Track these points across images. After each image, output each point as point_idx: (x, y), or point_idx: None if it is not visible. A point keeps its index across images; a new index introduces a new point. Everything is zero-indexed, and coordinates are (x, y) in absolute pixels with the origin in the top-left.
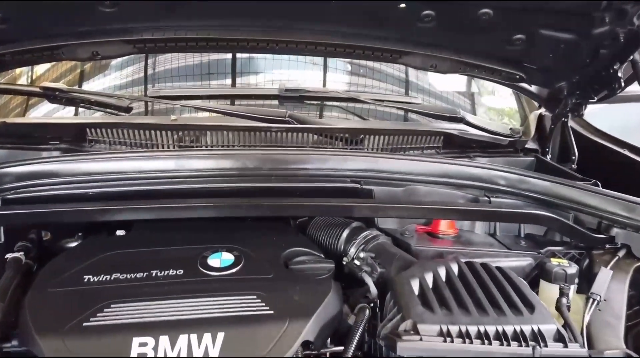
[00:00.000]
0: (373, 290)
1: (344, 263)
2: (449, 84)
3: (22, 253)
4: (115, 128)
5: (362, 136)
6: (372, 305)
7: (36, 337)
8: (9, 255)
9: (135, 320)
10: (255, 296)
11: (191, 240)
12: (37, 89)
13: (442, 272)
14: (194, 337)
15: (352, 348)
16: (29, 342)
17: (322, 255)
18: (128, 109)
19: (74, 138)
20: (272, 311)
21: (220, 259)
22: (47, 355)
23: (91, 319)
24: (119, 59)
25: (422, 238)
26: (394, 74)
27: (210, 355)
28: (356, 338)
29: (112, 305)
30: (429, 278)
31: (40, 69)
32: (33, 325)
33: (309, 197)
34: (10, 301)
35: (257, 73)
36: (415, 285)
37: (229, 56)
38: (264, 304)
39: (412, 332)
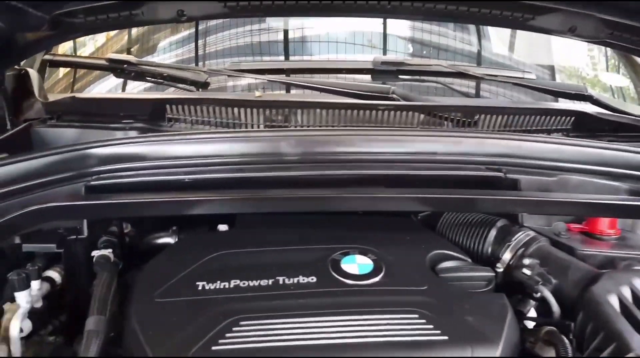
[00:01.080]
0: (556, 308)
1: (498, 270)
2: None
3: (110, 250)
4: (199, 105)
5: (478, 115)
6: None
7: None
8: (96, 253)
9: (275, 342)
10: (417, 316)
11: (309, 239)
12: (103, 62)
13: (637, 284)
14: None
15: None
16: None
17: (469, 259)
18: (205, 85)
19: (151, 116)
20: (445, 337)
21: (357, 264)
22: None
23: (220, 341)
24: (168, 40)
25: (581, 240)
26: (463, 49)
27: None
28: None
29: (241, 323)
30: (627, 294)
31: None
32: (149, 347)
33: (436, 187)
34: (111, 313)
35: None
36: (615, 304)
37: (292, 34)
38: (431, 326)
39: None
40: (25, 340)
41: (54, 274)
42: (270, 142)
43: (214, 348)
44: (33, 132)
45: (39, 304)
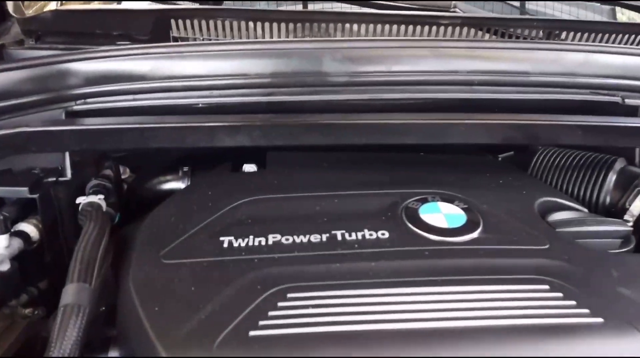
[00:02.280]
0: None
1: (628, 222)
2: None
3: (101, 196)
4: (213, 19)
5: (565, 33)
6: None
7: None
8: (81, 199)
9: (345, 326)
10: (548, 287)
11: (369, 181)
12: None
13: None
14: None
15: None
16: None
17: (585, 209)
18: None
19: (152, 34)
20: (599, 319)
21: (443, 214)
22: None
23: (260, 323)
24: None
25: None
26: None
27: None
28: None
29: (289, 295)
30: None
31: None
32: (155, 333)
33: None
34: (100, 280)
35: None
36: None
37: None
38: (573, 303)
39: None
40: None
41: (29, 228)
42: (309, 56)
43: (252, 333)
44: (6, 56)
45: (4, 267)
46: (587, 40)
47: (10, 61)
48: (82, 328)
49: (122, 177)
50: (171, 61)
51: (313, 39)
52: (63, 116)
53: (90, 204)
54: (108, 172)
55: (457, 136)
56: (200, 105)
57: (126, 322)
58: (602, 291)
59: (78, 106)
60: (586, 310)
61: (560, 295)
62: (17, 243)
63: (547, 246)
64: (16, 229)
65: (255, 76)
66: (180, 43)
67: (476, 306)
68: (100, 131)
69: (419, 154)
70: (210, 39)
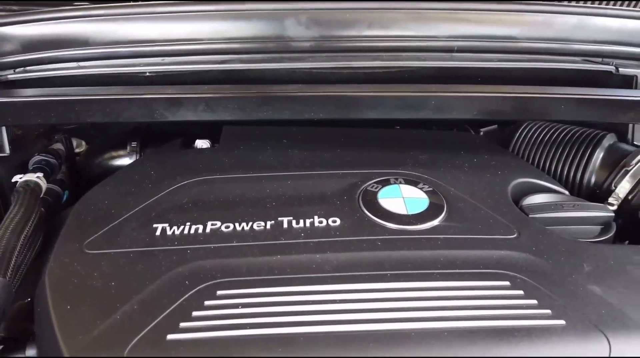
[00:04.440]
0: None
1: (611, 207)
2: None
3: (40, 174)
4: None
5: None
6: None
7: None
8: (18, 178)
9: (274, 328)
10: (508, 283)
11: (327, 161)
12: None
13: None
14: None
15: None
16: None
17: (566, 191)
18: None
19: None
20: (561, 321)
21: (403, 198)
22: None
23: (181, 324)
24: None
25: None
26: None
27: None
28: None
29: (218, 292)
30: None
31: None
32: (62, 333)
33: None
34: (19, 271)
35: None
36: None
37: None
38: (534, 302)
39: None
40: None
41: None
42: (271, 18)
43: (170, 337)
44: None
45: None
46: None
47: None
48: None
49: (77, 151)
50: (115, 23)
51: (270, 1)
52: None
53: (26, 183)
54: (57, 146)
55: (433, 110)
56: (147, 74)
57: (39, 319)
58: (569, 289)
59: (14, 75)
60: (547, 311)
61: (521, 292)
62: None
63: (514, 236)
64: None
65: (209, 40)
66: (127, 4)
67: (426, 306)
68: (35, 104)
69: (390, 129)
70: None
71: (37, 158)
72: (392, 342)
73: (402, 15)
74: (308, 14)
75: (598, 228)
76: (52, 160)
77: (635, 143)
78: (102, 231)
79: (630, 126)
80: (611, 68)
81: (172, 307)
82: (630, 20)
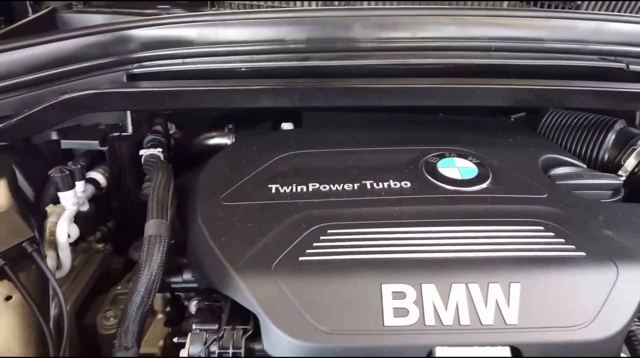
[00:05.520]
0: None
1: (620, 178)
2: None
3: (160, 149)
4: None
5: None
6: None
7: (236, 277)
8: (144, 152)
9: (372, 255)
10: (542, 228)
11: (394, 139)
12: None
13: None
14: (474, 288)
15: None
16: (218, 280)
17: (584, 165)
18: None
19: None
20: (582, 253)
21: (458, 168)
22: (255, 304)
23: (307, 251)
24: None
25: None
26: None
27: (508, 321)
28: None
29: (329, 231)
30: None
31: None
32: (225, 258)
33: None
34: (171, 218)
35: None
36: None
37: None
38: (562, 240)
39: None
40: (73, 246)
41: (98, 176)
42: (341, 24)
43: (301, 259)
44: (58, 19)
45: (85, 207)
46: (606, 9)
47: (64, 26)
48: (164, 253)
49: (170, 133)
50: (216, 27)
51: (344, 7)
52: (124, 79)
53: (152, 156)
54: (159, 128)
55: (475, 99)
56: (242, 69)
57: (198, 252)
58: (588, 232)
59: (136, 69)
60: (572, 246)
61: (552, 234)
62: (91, 188)
63: (545, 196)
64: (88, 176)
65: (292, 41)
66: (224, 11)
67: (481, 242)
68: (161, 93)
69: (440, 115)
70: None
71: (150, 136)
72: (460, 264)
73: (448, 20)
74: (370, 19)
75: (609, 193)
76: (162, 139)
77: None
78: (230, 189)
79: (638, 113)
80: (622, 65)
81: (298, 240)
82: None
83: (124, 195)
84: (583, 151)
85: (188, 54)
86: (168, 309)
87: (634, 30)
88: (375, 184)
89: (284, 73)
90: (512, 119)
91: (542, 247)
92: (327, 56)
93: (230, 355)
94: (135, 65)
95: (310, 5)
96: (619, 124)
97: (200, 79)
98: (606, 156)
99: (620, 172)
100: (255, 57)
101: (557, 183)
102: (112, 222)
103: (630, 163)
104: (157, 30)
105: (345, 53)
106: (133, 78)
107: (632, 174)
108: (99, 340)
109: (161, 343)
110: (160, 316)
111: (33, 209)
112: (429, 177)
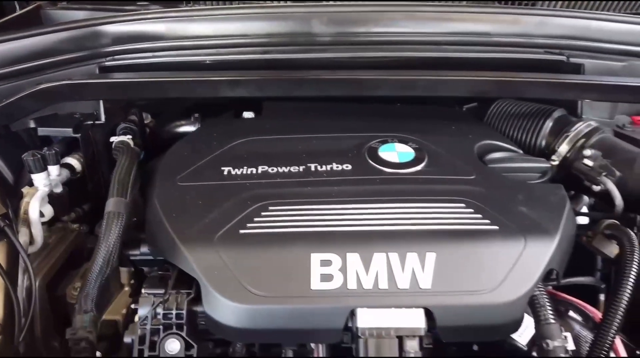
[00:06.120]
0: (619, 201)
1: (553, 163)
2: None
3: (129, 136)
4: None
5: None
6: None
7: (181, 247)
8: (114, 139)
9: (306, 228)
10: (463, 205)
11: (343, 127)
12: None
13: None
14: (393, 257)
15: (630, 288)
16: (167, 251)
17: (520, 151)
18: None
19: None
20: (496, 227)
21: (397, 152)
22: (197, 271)
23: (248, 225)
24: None
25: None
26: None
27: (422, 286)
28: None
29: (270, 207)
30: None
31: None
32: (174, 231)
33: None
34: (132, 198)
35: None
36: None
37: None
38: (479, 216)
39: None
40: (48, 225)
41: (73, 161)
42: (300, 20)
43: (242, 231)
44: (43, 15)
45: (58, 189)
46: (567, 6)
47: (49, 22)
48: (122, 228)
49: (145, 122)
50: (183, 23)
51: (303, 3)
52: (97, 71)
53: (121, 142)
54: (133, 117)
55: (426, 89)
56: (207, 62)
57: (153, 227)
58: (506, 209)
59: (108, 62)
60: (487, 221)
61: (471, 210)
62: (65, 172)
63: (472, 177)
64: (64, 161)
65: (254, 36)
66: (190, 7)
67: (406, 218)
68: (128, 84)
69: (391, 105)
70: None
71: (122, 125)
72: (383, 236)
73: (401, 15)
74: (328, 15)
75: (537, 175)
76: (134, 127)
77: (583, 116)
78: (187, 171)
79: (579, 102)
80: (563, 58)
81: (242, 215)
82: (580, 20)
83: (98, 179)
84: (523, 138)
85: (157, 47)
86: (133, 282)
87: (575, 24)
88: (319, 167)
89: (246, 65)
90: (464, 109)
91: (460, 222)
92: (287, 50)
93: (174, 316)
94: (107, 58)
95: (272, 2)
96: (557, 113)
97: (167, 71)
98: (543, 143)
99: (553, 157)
100: (220, 50)
101: (489, 166)
102: (87, 205)
103: (563, 149)
104: (127, 25)
105: (304, 47)
106: (105, 70)
107: (564, 159)
108: (68, 309)
109: (124, 311)
110: (126, 289)
111: (11, 191)
112: (370, 161)
